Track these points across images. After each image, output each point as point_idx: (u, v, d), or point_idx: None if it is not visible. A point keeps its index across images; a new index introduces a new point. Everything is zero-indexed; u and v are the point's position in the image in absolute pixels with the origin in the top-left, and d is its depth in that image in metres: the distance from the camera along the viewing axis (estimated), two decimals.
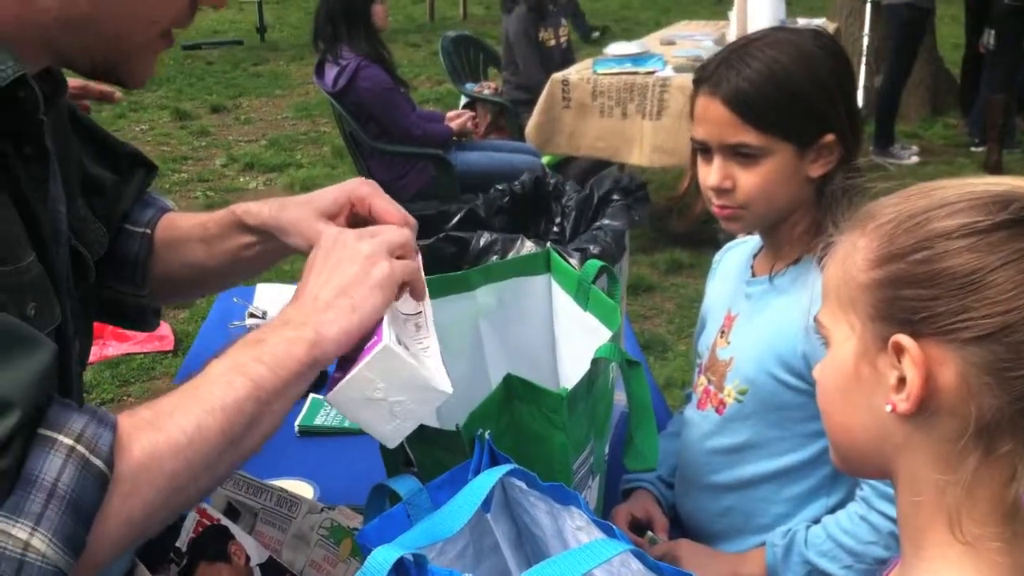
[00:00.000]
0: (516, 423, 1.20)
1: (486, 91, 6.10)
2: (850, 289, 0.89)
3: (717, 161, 1.48)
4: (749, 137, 1.44)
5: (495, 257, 1.54)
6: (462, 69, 6.42)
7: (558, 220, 1.81)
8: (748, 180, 1.46)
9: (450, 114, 5.19)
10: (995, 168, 6.53)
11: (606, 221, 1.68)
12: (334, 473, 1.74)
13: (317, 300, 1.06)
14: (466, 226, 1.71)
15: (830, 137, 1.45)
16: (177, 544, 1.32)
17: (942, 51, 8.48)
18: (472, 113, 5.45)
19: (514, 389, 1.18)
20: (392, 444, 1.10)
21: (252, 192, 7.09)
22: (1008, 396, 0.82)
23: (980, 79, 7.05)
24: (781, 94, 1.44)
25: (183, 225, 1.40)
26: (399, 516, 1.05)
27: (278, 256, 1.38)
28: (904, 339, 0.83)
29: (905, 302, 0.85)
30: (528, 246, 1.53)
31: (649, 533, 1.58)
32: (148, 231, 1.39)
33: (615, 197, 1.77)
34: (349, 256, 1.09)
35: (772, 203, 1.48)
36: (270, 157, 7.77)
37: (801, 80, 1.45)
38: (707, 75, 1.48)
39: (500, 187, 1.80)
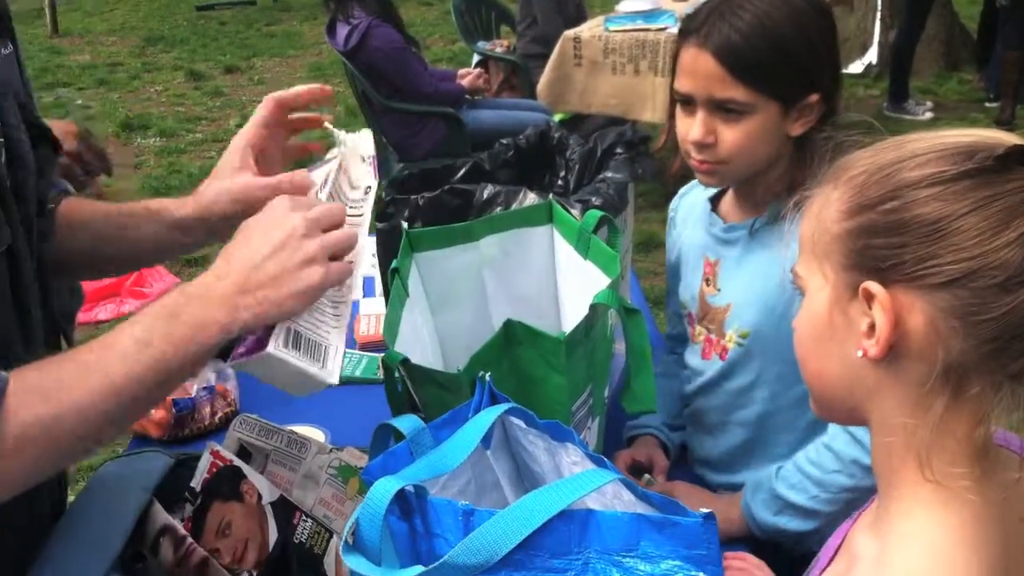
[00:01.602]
0: (516, 366, 1.24)
1: (498, 49, 6.10)
2: (824, 240, 0.93)
3: (701, 115, 1.48)
4: (737, 93, 1.45)
5: (498, 209, 1.58)
6: (474, 28, 6.42)
7: (562, 173, 1.85)
8: (731, 136, 1.47)
9: (461, 72, 5.21)
10: (1008, 124, 6.51)
11: (609, 174, 1.71)
12: (344, 419, 1.79)
13: (246, 279, 1.06)
14: (471, 179, 1.75)
15: (815, 97, 1.47)
16: (192, 484, 1.38)
17: (957, 6, 8.41)
18: (484, 71, 5.46)
19: (514, 334, 1.22)
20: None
21: None
22: (974, 339, 0.86)
23: (997, 34, 7.01)
24: (773, 51, 1.45)
25: (86, 209, 1.39)
26: (402, 453, 1.09)
27: (180, 251, 1.43)
28: (873, 286, 0.87)
29: (875, 251, 0.88)
30: (531, 198, 1.57)
31: (647, 475, 1.62)
32: (52, 206, 1.37)
33: (619, 151, 1.80)
34: (291, 248, 1.08)
35: (752, 159, 1.50)
36: None
37: (792, 37, 1.45)
38: (696, 26, 1.48)
39: (505, 141, 1.83)
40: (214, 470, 1.37)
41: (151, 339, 1.02)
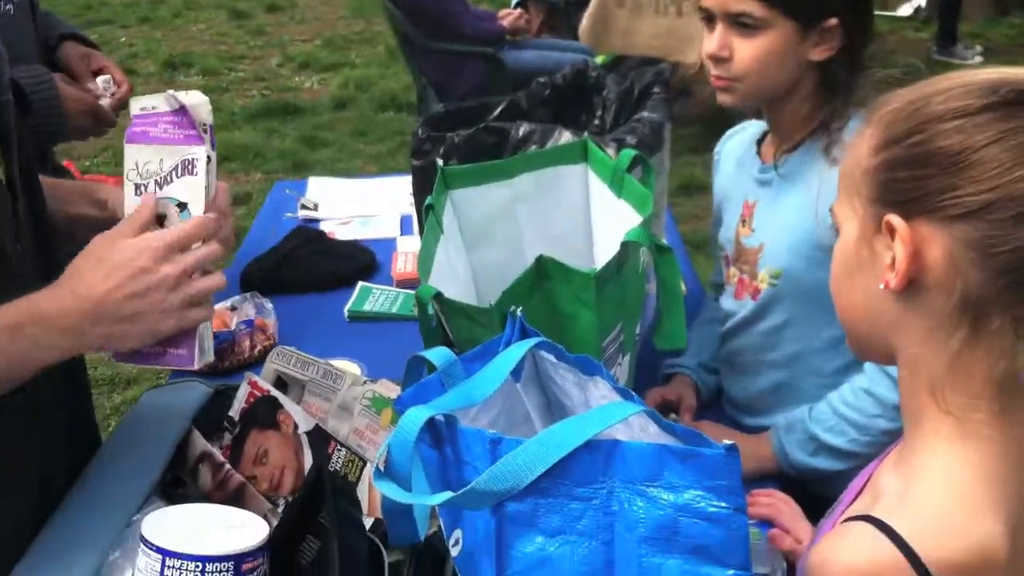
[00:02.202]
0: (548, 302, 1.25)
1: None
2: (856, 176, 0.94)
3: (719, 29, 1.51)
4: (752, 7, 1.47)
5: (534, 147, 1.58)
6: None
7: (599, 113, 1.84)
8: (745, 51, 1.50)
9: (502, 12, 5.17)
10: None
11: (645, 113, 1.70)
12: (380, 354, 1.81)
13: (102, 311, 1.09)
14: (507, 118, 1.75)
15: (833, 21, 1.47)
16: (230, 414, 1.41)
17: None
18: (524, 12, 5.41)
19: (545, 269, 1.23)
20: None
21: (307, 91, 7.14)
22: (992, 272, 0.87)
23: None
24: None
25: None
26: (434, 384, 1.11)
27: None
28: (894, 219, 0.89)
29: (899, 183, 0.90)
30: (566, 136, 1.57)
31: (673, 414, 1.64)
32: None
33: (655, 90, 1.80)
34: (155, 298, 1.11)
35: (766, 79, 1.51)
36: (325, 56, 7.79)
37: None
38: None
39: (542, 79, 1.83)
40: (251, 400, 1.40)
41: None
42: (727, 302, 1.69)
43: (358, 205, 2.61)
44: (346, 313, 2.06)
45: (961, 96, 0.89)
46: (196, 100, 1.22)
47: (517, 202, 1.54)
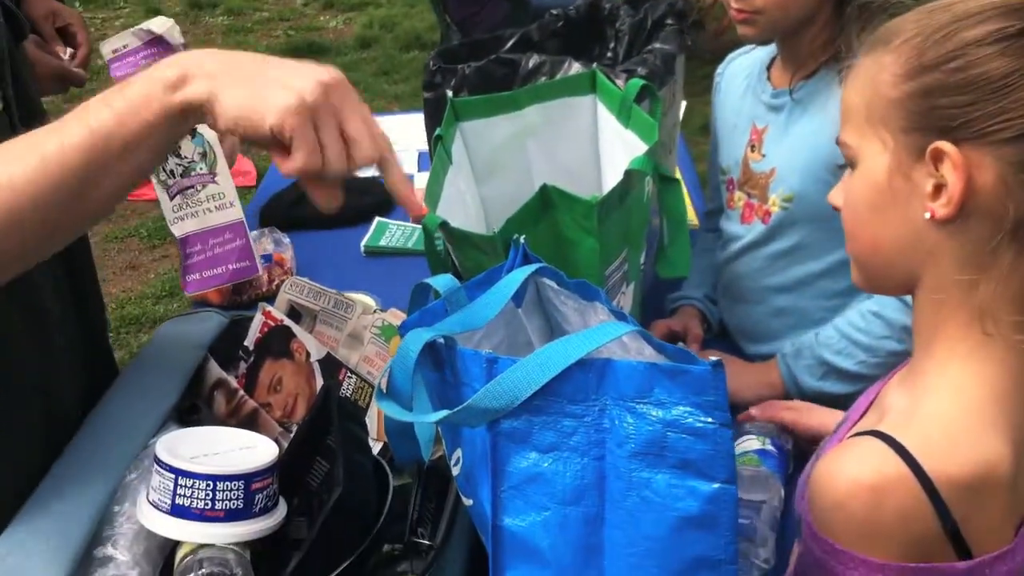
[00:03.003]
0: (552, 230, 1.27)
1: None
2: (880, 106, 0.93)
3: None
4: None
5: (543, 78, 1.59)
6: None
7: (611, 45, 1.84)
8: None
9: None
10: None
11: (657, 45, 1.70)
12: (395, 288, 1.83)
13: (239, 63, 0.97)
14: (519, 50, 1.75)
15: None
16: (245, 343, 1.44)
17: None
18: None
19: (550, 198, 1.25)
20: None
21: (331, 31, 7.12)
22: None
23: None
24: None
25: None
26: (438, 309, 1.13)
27: None
28: (944, 145, 0.88)
29: (942, 110, 0.89)
30: (576, 67, 1.58)
31: (680, 344, 1.66)
32: None
33: (669, 21, 1.79)
34: (298, 74, 0.95)
35: (787, 10, 1.50)
36: None
37: None
38: None
39: (554, 11, 1.83)
40: (266, 329, 1.44)
41: (88, 108, 0.95)
42: (731, 226, 1.70)
43: None
44: (362, 248, 2.09)
45: (996, 19, 0.88)
46: (164, 25, 1.24)
47: (526, 134, 1.55)
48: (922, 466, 0.88)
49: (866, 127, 0.94)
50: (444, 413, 0.92)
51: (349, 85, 0.99)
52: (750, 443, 1.40)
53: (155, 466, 1.09)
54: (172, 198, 1.24)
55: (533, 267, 1.11)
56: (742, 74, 1.74)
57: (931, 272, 0.94)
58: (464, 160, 1.53)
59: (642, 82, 1.43)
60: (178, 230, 1.26)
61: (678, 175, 2.31)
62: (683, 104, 2.79)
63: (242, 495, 1.08)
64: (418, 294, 1.20)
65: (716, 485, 0.86)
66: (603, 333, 0.91)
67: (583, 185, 1.57)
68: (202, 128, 1.16)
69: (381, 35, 6.83)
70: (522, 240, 1.19)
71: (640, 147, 1.40)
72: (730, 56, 1.79)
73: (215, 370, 1.40)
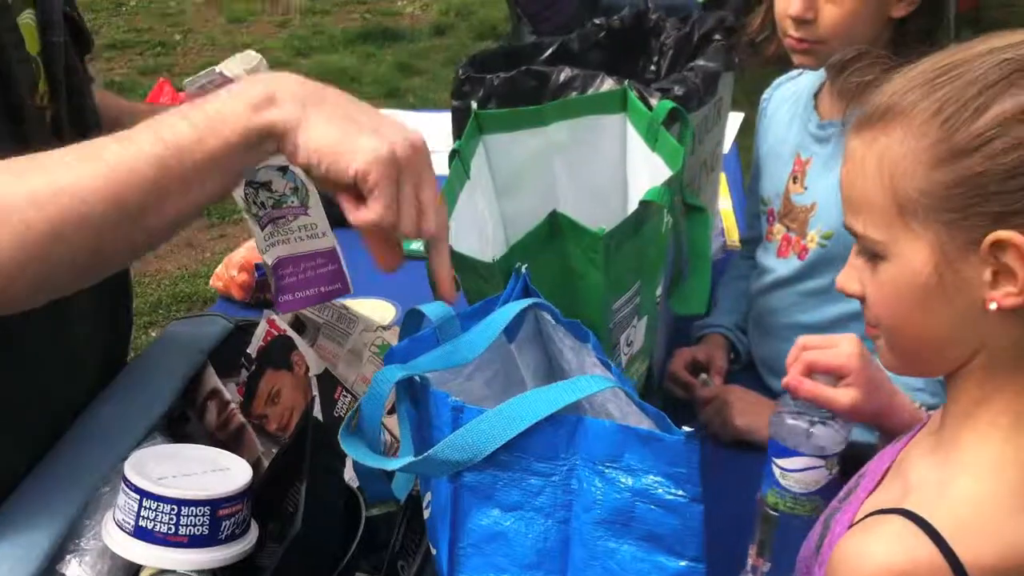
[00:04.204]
0: (560, 258, 1.21)
1: None
2: (911, 198, 0.85)
3: None
4: None
5: (574, 93, 1.53)
6: None
7: (655, 59, 1.77)
8: (832, 12, 1.43)
9: None
10: None
11: (700, 61, 1.63)
12: (417, 294, 1.79)
13: (307, 93, 0.94)
14: (558, 60, 1.69)
15: None
16: (248, 351, 1.41)
17: None
18: None
19: (559, 225, 1.19)
20: None
21: (408, 16, 7.11)
22: None
23: None
24: None
25: (110, 103, 1.36)
26: (428, 339, 1.08)
27: None
28: (1005, 234, 0.81)
29: (995, 196, 0.81)
30: (608, 83, 1.51)
31: (703, 375, 1.59)
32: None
33: (716, 36, 1.72)
34: (383, 123, 0.96)
35: (850, 39, 1.43)
36: None
37: None
38: None
39: (597, 21, 1.76)
40: (269, 339, 1.40)
41: (165, 121, 0.92)
42: (767, 259, 1.63)
43: None
44: None
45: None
46: (252, 61, 1.20)
47: (552, 150, 1.49)
48: (955, 552, 0.81)
49: (895, 220, 0.86)
50: (405, 461, 0.86)
51: (429, 152, 0.98)
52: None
53: (122, 484, 1.06)
54: (263, 228, 1.23)
55: (525, 302, 1.05)
56: (789, 101, 1.66)
57: (984, 353, 0.87)
58: (486, 175, 1.48)
59: (671, 105, 1.36)
60: (270, 256, 1.24)
61: (724, 194, 2.24)
62: (740, 117, 2.72)
63: (208, 521, 1.04)
64: (411, 320, 1.15)
65: (683, 563, 0.81)
66: (577, 388, 0.85)
67: (608, 207, 1.50)
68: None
69: (456, 23, 6.81)
70: (524, 270, 1.13)
71: (665, 173, 1.33)
72: (777, 81, 1.72)
73: (212, 379, 1.36)
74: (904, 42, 1.44)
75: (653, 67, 1.77)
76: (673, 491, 0.79)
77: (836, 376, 1.12)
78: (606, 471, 0.82)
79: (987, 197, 0.81)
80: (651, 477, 0.80)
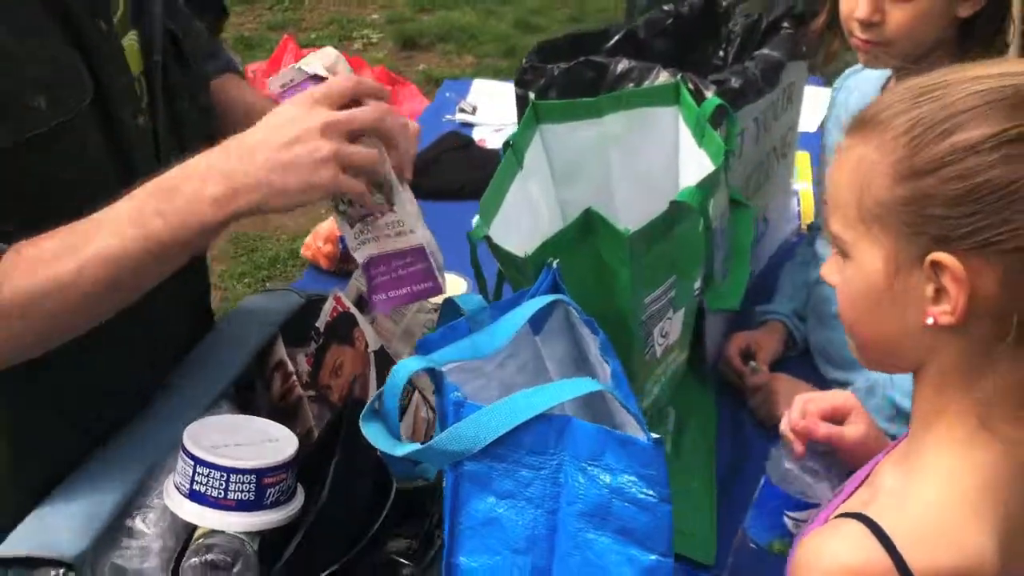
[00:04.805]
0: (594, 254, 1.27)
1: None
2: (873, 206, 0.89)
3: None
4: None
5: (631, 85, 1.57)
6: None
7: (724, 46, 1.80)
8: (898, 15, 1.43)
9: None
10: None
11: (764, 50, 1.66)
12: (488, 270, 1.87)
13: (252, 161, 1.06)
14: (624, 47, 1.74)
15: None
16: (317, 324, 1.51)
17: None
18: None
19: (591, 222, 1.25)
20: None
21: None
22: None
23: None
24: None
25: (240, 93, 1.45)
26: (461, 328, 1.16)
27: None
28: (943, 257, 0.84)
29: (941, 220, 0.84)
30: (663, 76, 1.55)
31: (752, 363, 1.63)
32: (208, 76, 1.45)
33: (784, 25, 1.74)
34: (305, 143, 1.06)
35: (916, 40, 1.44)
36: None
37: None
38: None
39: (666, 7, 1.79)
40: (335, 314, 1.49)
41: (144, 214, 1.05)
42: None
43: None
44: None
45: (991, 118, 0.83)
46: (329, 58, 1.22)
47: (607, 141, 1.54)
48: (905, 560, 0.86)
49: (859, 224, 0.90)
50: (410, 449, 0.95)
51: (324, 94, 1.10)
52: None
53: (180, 451, 1.17)
54: (352, 226, 1.23)
55: (547, 299, 1.12)
56: (856, 93, 1.67)
57: (933, 363, 0.91)
58: (543, 164, 1.54)
59: (718, 102, 1.40)
60: (361, 255, 1.25)
61: (805, 176, 2.25)
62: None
63: (254, 488, 1.15)
64: (449, 309, 1.23)
65: (653, 557, 0.87)
66: (565, 390, 0.92)
67: (662, 198, 1.53)
68: (381, 163, 1.17)
69: None
70: (555, 265, 1.20)
71: (709, 169, 1.37)
72: (847, 72, 1.73)
73: (280, 351, 1.47)
74: (970, 40, 1.44)
75: (721, 54, 1.80)
76: (645, 491, 0.86)
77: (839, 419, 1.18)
78: (588, 468, 0.89)
79: (933, 219, 0.84)
80: (626, 477, 0.87)
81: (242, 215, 1.06)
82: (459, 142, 2.43)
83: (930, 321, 0.87)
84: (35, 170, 1.10)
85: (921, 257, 0.86)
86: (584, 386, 0.92)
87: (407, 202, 1.25)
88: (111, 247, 1.04)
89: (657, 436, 0.86)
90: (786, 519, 1.17)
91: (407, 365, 1.01)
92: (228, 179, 1.05)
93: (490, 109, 2.64)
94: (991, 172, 0.82)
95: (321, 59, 1.21)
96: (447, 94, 2.79)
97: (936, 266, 0.85)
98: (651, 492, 0.86)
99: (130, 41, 1.23)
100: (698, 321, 1.57)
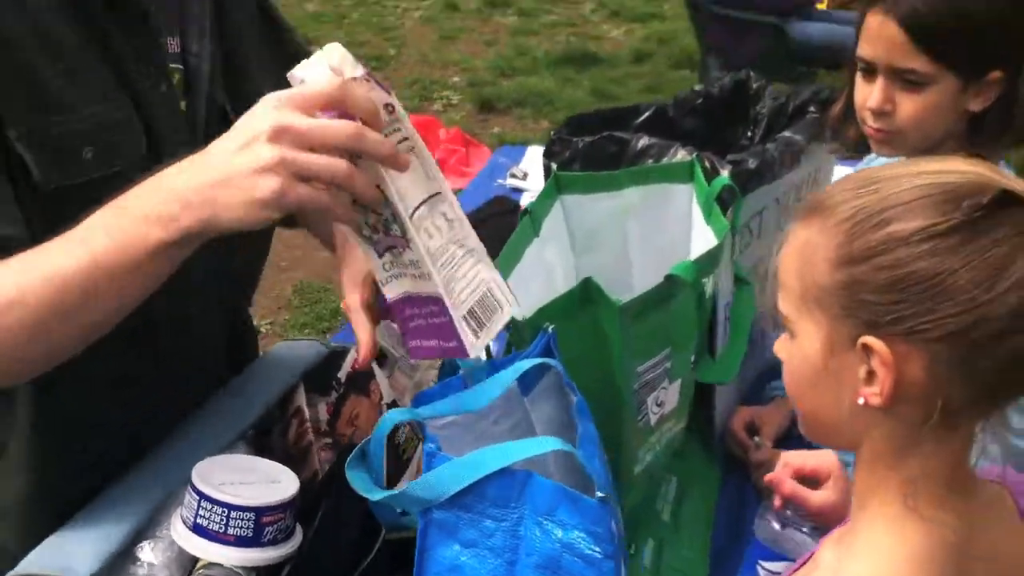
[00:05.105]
0: (593, 322, 1.33)
1: None
2: (813, 289, 0.94)
3: (881, 83, 1.50)
4: (919, 64, 1.46)
5: (649, 161, 1.64)
6: None
7: (752, 128, 1.86)
8: (908, 106, 1.49)
9: None
10: None
11: (787, 133, 1.71)
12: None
13: (200, 176, 0.98)
14: (654, 125, 1.81)
15: (997, 74, 1.44)
16: (338, 375, 1.59)
17: None
18: None
19: (590, 291, 1.31)
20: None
21: (610, 40, 7.24)
22: (970, 383, 0.88)
23: None
24: (959, 24, 1.45)
25: None
26: (455, 384, 1.22)
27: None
28: (872, 341, 0.89)
29: (871, 306, 0.89)
30: (681, 154, 1.62)
31: (757, 438, 1.67)
32: None
33: (811, 109, 1.80)
34: (249, 150, 0.95)
35: (926, 132, 1.49)
36: (638, 5, 7.87)
37: (982, 12, 1.45)
38: None
39: (696, 87, 1.86)
40: (355, 366, 1.57)
41: (92, 233, 1.02)
42: None
43: None
44: None
45: (923, 211, 0.88)
46: (335, 55, 1.01)
47: (625, 213, 1.61)
48: None
49: (801, 305, 0.95)
50: (384, 494, 1.02)
51: (292, 96, 0.96)
52: None
53: (188, 485, 1.25)
54: (381, 256, 1.07)
55: (536, 361, 1.18)
56: None
57: (867, 442, 0.96)
58: (563, 232, 1.61)
59: (725, 182, 1.46)
60: (390, 291, 1.09)
61: None
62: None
63: (252, 525, 1.22)
64: (448, 365, 1.30)
65: None
66: (529, 447, 0.98)
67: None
68: (386, 190, 0.99)
69: (656, 50, 6.90)
70: (550, 329, 1.26)
71: (712, 245, 1.43)
72: (866, 159, 1.77)
73: (299, 398, 1.55)
74: (979, 135, 1.49)
75: (749, 135, 1.86)
76: (592, 547, 0.92)
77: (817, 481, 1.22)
78: (544, 522, 0.95)
79: (865, 304, 0.89)
80: (576, 532, 0.93)
81: (195, 234, 0.99)
82: (506, 206, 2.51)
83: (861, 401, 0.91)
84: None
85: (854, 339, 0.90)
86: (547, 444, 0.98)
87: (418, 244, 1.03)
88: (55, 264, 1.02)
89: (603, 495, 0.91)
90: (760, 569, 1.21)
91: (392, 416, 1.08)
92: (174, 195, 0.98)
93: (540, 176, 2.71)
94: (918, 263, 0.86)
95: (326, 57, 0.99)
96: (500, 159, 2.88)
97: (867, 349, 0.89)
98: (597, 549, 0.91)
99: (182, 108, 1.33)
100: (707, 392, 1.62)
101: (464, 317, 1.05)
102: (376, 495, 1.02)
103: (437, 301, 1.06)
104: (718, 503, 1.61)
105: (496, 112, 6.10)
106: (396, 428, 1.48)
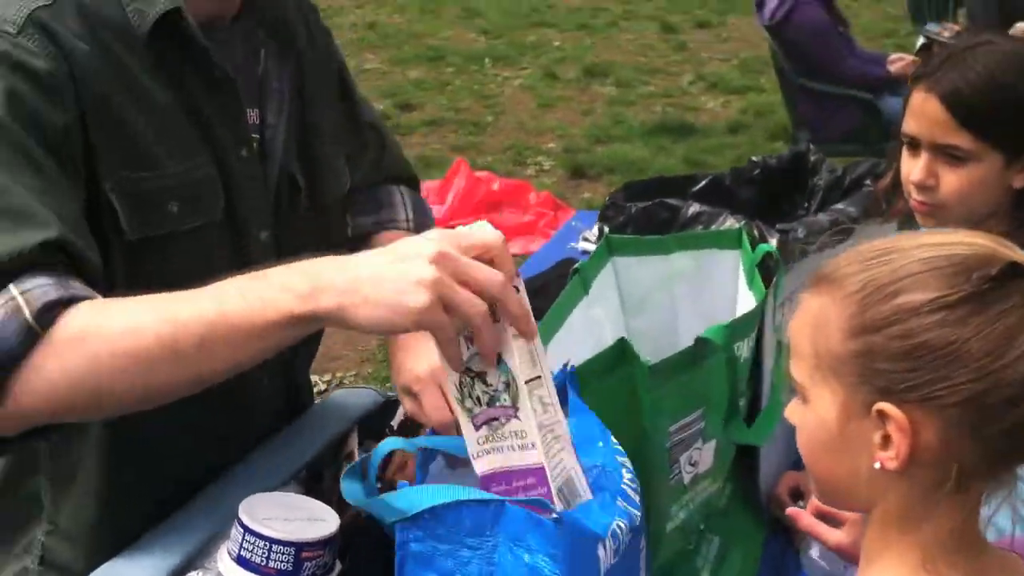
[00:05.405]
0: (628, 380, 1.37)
1: (946, 34, 5.79)
2: (827, 358, 0.97)
3: (924, 158, 1.54)
4: (961, 140, 1.49)
5: (699, 227, 1.69)
6: (927, 5, 6.14)
7: (809, 199, 1.90)
8: (951, 181, 1.52)
9: (892, 57, 5.05)
10: None
11: (840, 205, 1.75)
12: None
13: (350, 267, 1.03)
14: (709, 193, 1.86)
15: None
16: (392, 422, 1.66)
17: None
18: (916, 59, 5.24)
19: (624, 351, 1.36)
20: None
21: (707, 112, 7.30)
22: (983, 448, 0.92)
23: None
24: (1000, 103, 1.48)
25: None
26: None
27: None
28: (888, 407, 0.92)
29: (886, 374, 0.93)
30: (730, 221, 1.66)
31: (800, 502, 1.68)
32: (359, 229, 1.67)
33: (866, 183, 1.83)
34: (410, 263, 0.98)
35: (969, 206, 1.52)
36: (736, 78, 7.94)
37: (1022, 92, 1.47)
38: (928, 72, 1.54)
39: (755, 159, 1.91)
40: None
41: (226, 290, 1.06)
42: None
43: None
44: None
45: (934, 282, 0.91)
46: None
47: (675, 276, 1.66)
48: None
49: (815, 373, 0.98)
50: (364, 501, 1.10)
51: (454, 235, 1.02)
52: None
53: (235, 520, 1.32)
54: (477, 429, 1.09)
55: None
56: None
57: (881, 504, 0.99)
58: (613, 292, 1.66)
59: (767, 249, 1.50)
60: (481, 466, 1.10)
61: None
62: None
63: (292, 560, 1.28)
64: None
65: None
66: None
67: None
68: (507, 357, 1.03)
69: (753, 122, 6.94)
70: (569, 367, 1.31)
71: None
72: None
73: (352, 443, 1.62)
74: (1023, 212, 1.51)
75: (806, 206, 1.89)
76: (554, 569, 0.97)
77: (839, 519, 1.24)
78: (515, 548, 1.00)
79: (880, 372, 0.92)
80: (540, 556, 0.98)
81: (323, 317, 1.02)
82: (568, 269, 2.56)
83: (877, 465, 0.95)
84: (157, 268, 1.30)
85: (869, 406, 0.94)
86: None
87: (529, 411, 1.05)
88: (182, 310, 1.06)
89: (557, 515, 0.96)
90: None
91: (388, 443, 1.18)
92: (317, 277, 1.02)
93: None
94: (930, 334, 0.90)
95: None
96: (573, 223, 2.94)
97: (882, 415, 0.93)
98: (557, 571, 0.96)
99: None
100: (752, 454, 1.64)
101: (560, 489, 1.08)
102: (357, 501, 1.11)
103: (534, 472, 1.08)
104: (761, 560, 1.63)
105: (588, 178, 6.18)
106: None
